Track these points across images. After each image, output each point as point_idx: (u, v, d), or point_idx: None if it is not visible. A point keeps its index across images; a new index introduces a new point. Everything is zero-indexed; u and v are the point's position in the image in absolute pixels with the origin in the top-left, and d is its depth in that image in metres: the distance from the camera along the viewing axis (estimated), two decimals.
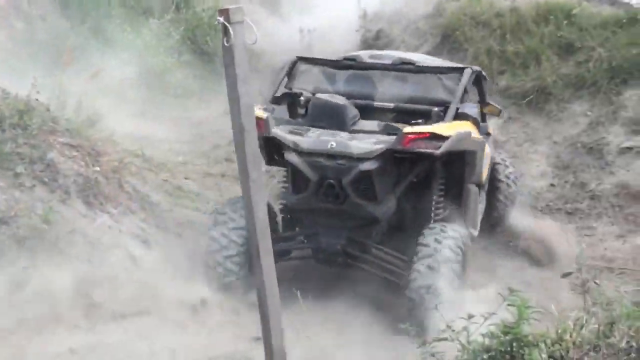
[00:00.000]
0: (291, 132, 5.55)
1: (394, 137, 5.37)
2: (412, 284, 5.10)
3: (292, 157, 5.40)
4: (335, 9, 14.48)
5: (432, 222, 5.66)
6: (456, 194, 5.94)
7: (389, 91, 6.40)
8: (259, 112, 5.39)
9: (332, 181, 5.29)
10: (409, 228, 5.77)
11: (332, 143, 5.32)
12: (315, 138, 5.43)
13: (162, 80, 12.89)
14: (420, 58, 7.00)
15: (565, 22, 9.12)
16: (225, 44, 2.17)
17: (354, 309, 5.19)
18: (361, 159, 5.24)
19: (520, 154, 8.24)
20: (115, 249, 4.93)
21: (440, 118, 5.96)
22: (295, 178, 5.59)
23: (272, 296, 2.54)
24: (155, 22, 13.94)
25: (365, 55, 6.90)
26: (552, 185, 7.73)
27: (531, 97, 8.72)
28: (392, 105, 6.34)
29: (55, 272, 4.34)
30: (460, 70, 6.39)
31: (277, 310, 2.60)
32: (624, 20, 8.86)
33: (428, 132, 5.34)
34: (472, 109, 6.37)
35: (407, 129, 5.41)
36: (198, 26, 14.65)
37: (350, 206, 5.38)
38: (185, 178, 8.52)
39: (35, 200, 4.65)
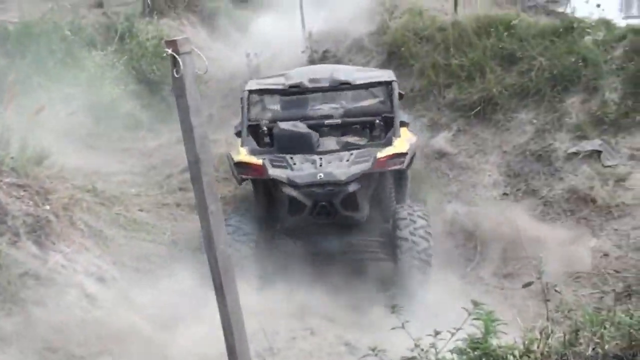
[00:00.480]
0: (275, 167, 6.36)
1: (368, 160, 6.35)
2: (402, 251, 6.22)
3: (289, 190, 6.26)
4: (280, 32, 14.60)
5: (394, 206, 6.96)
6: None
7: (336, 109, 7.63)
8: (253, 159, 6.48)
9: (324, 203, 6.26)
10: (374, 219, 6.86)
11: (320, 174, 6.19)
12: (303, 172, 6.27)
13: (109, 112, 12.70)
14: (348, 70, 7.89)
15: (505, 33, 9.32)
16: (175, 75, 2.13)
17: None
18: (347, 183, 6.18)
19: (472, 165, 8.36)
20: (71, 289, 4.78)
21: (382, 127, 7.26)
22: (291, 204, 6.38)
23: (239, 329, 2.50)
24: (98, 54, 13.77)
25: (301, 75, 7.49)
26: (505, 194, 7.85)
27: (479, 108, 8.86)
28: (339, 121, 7.47)
29: (8, 317, 4.18)
30: (388, 84, 7.35)
31: (244, 342, 2.55)
32: (561, 30, 9.10)
33: (394, 155, 6.47)
34: (405, 115, 7.57)
35: (378, 153, 6.40)
36: (143, 55, 14.55)
37: (339, 218, 6.42)
38: (140, 210, 8.37)
39: None
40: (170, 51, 2.10)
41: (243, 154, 6.59)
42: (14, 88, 9.58)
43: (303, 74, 7.55)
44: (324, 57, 12.61)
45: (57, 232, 5.18)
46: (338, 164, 6.33)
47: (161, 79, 14.46)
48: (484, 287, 6.32)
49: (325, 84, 7.27)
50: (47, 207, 5.29)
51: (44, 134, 8.92)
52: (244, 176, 6.66)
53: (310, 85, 7.28)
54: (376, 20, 12.43)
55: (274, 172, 6.32)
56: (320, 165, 6.31)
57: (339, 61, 12.24)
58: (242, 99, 7.40)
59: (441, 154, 8.77)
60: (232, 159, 6.68)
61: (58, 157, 8.80)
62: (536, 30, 9.16)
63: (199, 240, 7.29)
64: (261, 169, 6.35)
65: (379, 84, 7.48)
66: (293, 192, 6.27)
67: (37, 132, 8.69)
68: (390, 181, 7.08)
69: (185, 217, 8.37)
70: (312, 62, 13.13)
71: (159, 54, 14.82)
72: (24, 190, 5.30)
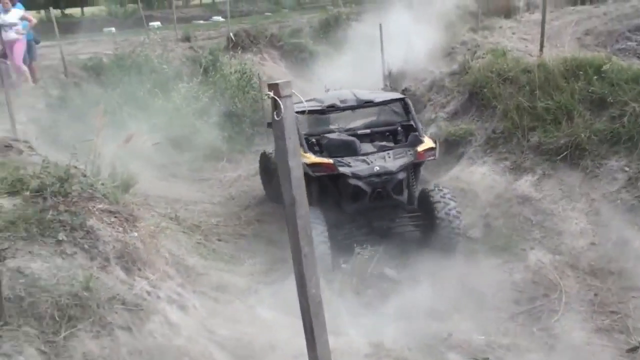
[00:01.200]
0: (339, 165, 7.99)
1: (409, 155, 8.13)
2: (441, 227, 7.80)
3: (355, 181, 7.91)
4: (360, 68, 14.75)
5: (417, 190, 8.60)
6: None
7: (362, 121, 9.80)
8: (324, 160, 8.11)
9: (380, 189, 7.95)
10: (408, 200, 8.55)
11: (376, 167, 7.91)
12: (362, 167, 7.95)
13: (192, 142, 13.09)
14: (366, 92, 9.40)
15: (595, 77, 9.04)
16: (276, 117, 2.19)
17: None
18: (397, 172, 7.94)
19: (557, 211, 8.09)
20: (154, 316, 4.88)
21: (402, 133, 9.12)
22: (355, 193, 8.03)
23: None
24: (184, 86, 14.28)
25: (331, 98, 9.09)
26: (592, 244, 7.53)
27: (565, 153, 8.59)
28: (369, 131, 9.39)
29: (95, 340, 4.31)
30: (402, 100, 9.25)
31: None
32: None
33: (428, 147, 8.26)
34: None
35: (418, 148, 8.18)
36: (226, 88, 15.00)
37: (389, 201, 8.05)
38: (219, 240, 8.53)
39: (76, 268, 4.65)
40: (271, 94, 2.16)
41: (313, 158, 8.12)
42: (105, 117, 10.07)
43: (332, 97, 9.15)
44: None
45: (144, 259, 5.33)
46: (386, 160, 8.05)
47: (242, 111, 14.87)
48: (570, 342, 6.03)
49: (354, 103, 8.92)
50: (135, 234, 5.46)
51: (131, 162, 9.28)
52: (317, 173, 8.03)
53: (342, 105, 8.87)
54: (458, 60, 12.40)
55: (342, 169, 7.94)
56: (372, 162, 8.01)
57: (417, 99, 12.23)
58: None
59: (524, 199, 8.54)
60: (306, 162, 7.88)
61: (143, 185, 9.17)
62: (629, 75, 8.84)
63: (276, 274, 7.43)
64: (332, 166, 7.96)
65: (396, 100, 9.32)
66: (358, 182, 7.90)
67: (124, 160, 9.07)
68: (412, 174, 8.56)
69: (263, 249, 8.45)
70: None
71: (241, 87, 15.29)
72: (115, 217, 5.50)
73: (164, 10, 40.20)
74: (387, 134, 9.39)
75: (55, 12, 21.52)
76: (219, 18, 35.82)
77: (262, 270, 7.63)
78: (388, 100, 9.33)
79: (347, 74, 16.79)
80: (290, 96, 2.19)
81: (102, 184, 6.41)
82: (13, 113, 8.62)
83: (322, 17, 23.32)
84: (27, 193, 5.13)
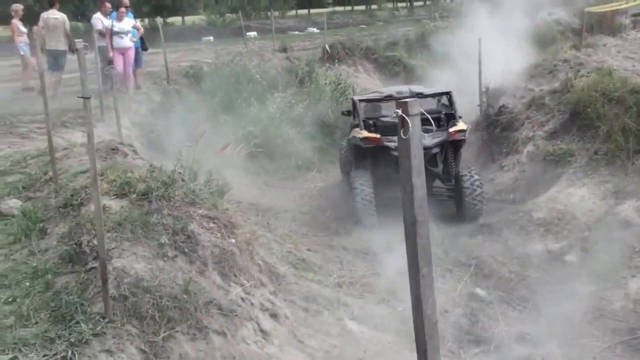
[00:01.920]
0: (387, 141, 9.91)
1: (444, 133, 10.11)
2: (466, 195, 9.80)
3: (396, 152, 9.06)
4: (456, 83, 14.52)
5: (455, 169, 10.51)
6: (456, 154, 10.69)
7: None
8: (373, 135, 10.16)
9: None
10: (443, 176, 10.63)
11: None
12: None
13: (284, 151, 13.29)
14: (418, 87, 11.92)
15: None
16: (403, 136, 2.16)
17: None
18: (432, 147, 9.81)
19: None
20: (247, 322, 4.95)
21: (445, 120, 10.73)
22: (397, 164, 8.58)
23: None
24: (280, 96, 14.53)
25: (390, 90, 11.39)
26: None
27: None
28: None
29: (191, 342, 4.41)
30: (448, 93, 11.03)
31: None
32: None
33: (459, 129, 10.12)
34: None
35: (450, 129, 10.15)
36: (320, 99, 15.12)
37: (426, 172, 8.80)
38: (308, 250, 8.57)
39: (176, 271, 4.78)
40: (400, 112, 2.14)
41: (365, 133, 10.16)
42: (205, 124, 10.37)
43: (391, 90, 11.40)
44: (500, 113, 12.35)
45: (239, 266, 5.42)
46: (424, 138, 9.37)
47: (334, 122, 14.96)
48: None
49: (407, 94, 10.62)
50: (233, 241, 5.56)
51: (226, 169, 9.50)
52: (367, 145, 10.06)
53: (397, 96, 10.66)
54: (559, 77, 12.00)
55: (387, 143, 9.88)
56: None
57: (515, 117, 11.93)
58: (354, 103, 11.33)
59: (626, 224, 8.13)
60: (359, 136, 10.20)
61: (237, 192, 9.36)
62: None
63: (363, 287, 7.40)
64: (379, 140, 9.97)
65: (442, 93, 11.27)
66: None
67: (220, 167, 9.30)
68: (451, 153, 10.44)
69: (351, 261, 8.45)
70: (487, 116, 12.93)
71: (335, 98, 15.40)
72: (214, 223, 5.62)
73: (261, 21, 41.18)
74: (433, 119, 10.38)
75: (158, 20, 22.48)
76: (314, 29, 36.35)
77: (349, 282, 7.61)
78: (436, 93, 11.39)
79: (444, 88, 16.58)
80: (418, 115, 2.17)
81: (200, 190, 6.56)
82: (120, 118, 9.00)
83: (418, 30, 23.21)
84: (134, 196, 5.32)
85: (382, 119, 11.06)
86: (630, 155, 8.96)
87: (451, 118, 10.56)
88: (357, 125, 10.69)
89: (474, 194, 9.72)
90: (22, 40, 13.20)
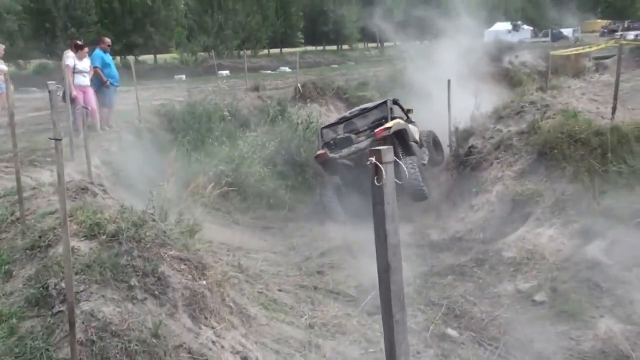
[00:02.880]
0: (331, 153, 12.74)
1: (372, 134, 12.55)
2: (408, 188, 11.71)
3: (341, 160, 12.59)
4: (426, 124, 14.74)
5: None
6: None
7: (362, 122, 13.73)
8: (321, 151, 13.02)
9: (357, 161, 12.31)
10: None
11: (352, 148, 12.59)
12: (346, 150, 12.68)
13: (256, 190, 13.26)
14: (368, 104, 14.95)
15: None
16: (376, 183, 2.18)
17: None
18: (364, 148, 12.13)
19: (630, 279, 7.76)
20: None
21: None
22: (344, 167, 12.69)
23: None
24: (251, 135, 14.56)
25: (345, 113, 15.00)
26: None
27: (638, 219, 8.29)
28: (366, 127, 13.48)
29: None
30: (385, 102, 13.88)
31: None
32: None
33: (384, 128, 12.41)
34: (398, 112, 13.84)
35: (376, 130, 12.62)
36: (292, 138, 15.20)
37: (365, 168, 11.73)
38: (279, 290, 8.50)
39: (145, 314, 4.71)
40: (373, 160, 2.16)
41: (317, 151, 13.12)
42: (176, 163, 10.32)
43: (346, 113, 14.93)
44: (470, 153, 12.53)
45: (210, 308, 5.35)
46: (360, 142, 12.64)
47: (306, 161, 15.02)
48: None
49: (355, 114, 14.02)
50: (204, 282, 5.51)
51: (197, 208, 9.44)
52: (317, 160, 13.13)
53: (349, 115, 14.13)
54: (526, 119, 12.25)
55: (331, 154, 12.66)
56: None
57: (484, 157, 12.10)
58: (318, 131, 14.18)
59: (594, 264, 8.23)
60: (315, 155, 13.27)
61: (208, 232, 9.29)
62: None
63: (335, 328, 7.35)
64: (325, 154, 12.77)
65: (382, 103, 14.00)
66: (344, 160, 12.59)
67: (192, 206, 9.24)
68: (400, 148, 12.50)
69: (322, 301, 8.38)
70: (456, 156, 13.11)
71: (307, 137, 15.50)
72: (185, 264, 5.56)
73: (234, 60, 41.48)
74: (378, 125, 13.03)
75: (130, 59, 22.46)
76: (286, 69, 36.70)
77: (321, 323, 7.54)
78: (375, 105, 14.15)
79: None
80: (392, 162, 2.19)
81: (171, 230, 6.51)
82: (90, 156, 8.92)
83: (389, 70, 23.61)
84: (104, 237, 5.25)
85: (338, 137, 13.39)
86: (596, 195, 9.11)
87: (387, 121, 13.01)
88: None
89: (410, 175, 11.76)
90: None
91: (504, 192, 10.61)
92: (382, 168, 2.14)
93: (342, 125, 13.85)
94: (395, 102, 14.01)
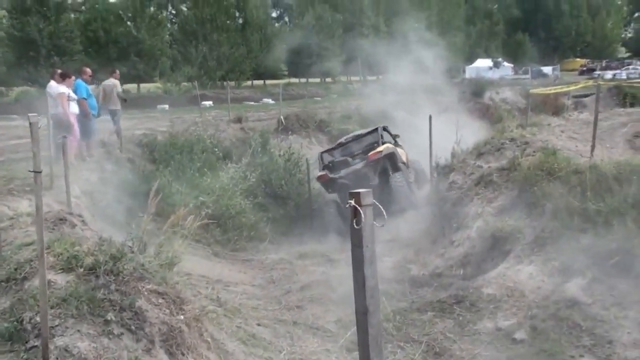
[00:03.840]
0: (331, 174, 14.85)
1: (366, 157, 14.81)
2: (397, 193, 14.25)
3: (340, 180, 14.61)
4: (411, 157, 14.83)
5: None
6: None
7: (357, 147, 15.97)
8: (322, 172, 15.13)
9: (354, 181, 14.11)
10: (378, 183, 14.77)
11: (349, 169, 14.79)
12: (344, 171, 14.82)
13: (236, 222, 13.21)
14: (361, 131, 17.16)
15: None
16: (355, 226, 2.19)
17: None
18: (361, 169, 14.63)
19: (608, 318, 7.79)
20: None
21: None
22: (343, 186, 14.45)
23: None
24: (233, 166, 14.55)
25: (340, 139, 17.10)
26: None
27: (617, 258, 8.34)
28: (360, 151, 15.65)
29: None
30: (376, 129, 15.97)
31: None
32: None
33: (376, 152, 14.73)
34: (388, 137, 15.94)
35: (370, 153, 14.86)
36: (274, 170, 15.23)
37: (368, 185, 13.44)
38: (258, 324, 8.42)
39: (122, 349, 4.63)
40: (352, 202, 2.17)
41: (319, 173, 15.18)
42: (156, 195, 10.24)
43: (342, 139, 16.88)
44: (450, 188, 12.61)
45: (187, 343, 5.28)
46: (357, 165, 14.93)
47: (288, 194, 15.03)
48: None
49: (350, 139, 16.34)
50: (181, 317, 5.44)
51: (176, 240, 9.35)
52: (320, 181, 15.22)
53: (344, 141, 16.36)
54: (507, 155, 12.37)
55: (331, 175, 14.83)
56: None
57: (464, 193, 12.16)
58: (319, 155, 16.26)
59: (573, 303, 8.24)
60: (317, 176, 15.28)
61: (187, 264, 9.21)
62: None
63: None
64: (326, 175, 14.95)
65: (374, 130, 16.10)
66: (342, 180, 14.58)
67: (170, 238, 9.16)
68: (390, 167, 15.10)
69: (301, 336, 8.32)
70: (437, 191, 13.19)
71: (288, 169, 15.52)
72: (162, 298, 5.50)
73: (217, 90, 41.61)
74: (370, 149, 15.29)
75: None
76: (270, 100, 36.85)
77: (300, 359, 7.47)
78: (368, 132, 16.33)
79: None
80: (371, 205, 2.20)
81: (149, 262, 6.44)
82: (69, 186, 8.84)
83: (371, 104, 23.82)
84: (81, 270, 5.19)
85: (335, 160, 15.56)
86: (576, 233, 9.16)
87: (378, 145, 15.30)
88: None
89: (397, 188, 14.14)
90: None
91: (484, 228, 10.65)
92: (361, 211, 2.15)
93: (339, 150, 16.10)
94: (385, 128, 16.25)
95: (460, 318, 8.74)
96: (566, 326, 7.96)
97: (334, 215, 14.60)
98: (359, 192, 2.21)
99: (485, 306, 8.84)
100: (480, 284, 9.43)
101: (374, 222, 2.21)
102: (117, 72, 16.13)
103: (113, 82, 15.55)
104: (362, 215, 2.16)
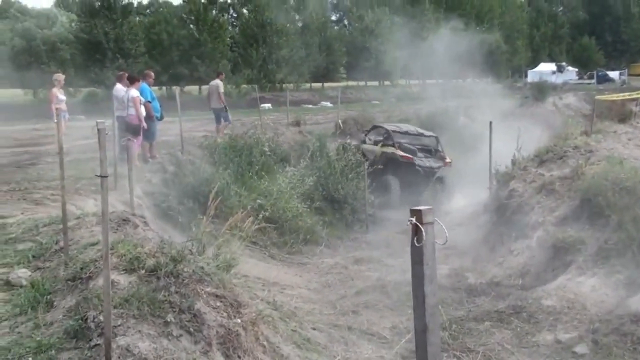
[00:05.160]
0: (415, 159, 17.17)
1: (441, 161, 17.42)
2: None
3: (419, 168, 16.91)
4: (465, 165, 14.65)
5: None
6: None
7: (417, 142, 17.98)
8: (409, 155, 17.15)
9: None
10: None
11: (427, 163, 17.14)
12: (422, 162, 17.09)
13: (293, 225, 13.27)
14: (418, 129, 19.05)
15: None
16: (416, 243, 2.18)
17: None
18: (436, 168, 17.25)
19: None
20: None
21: (433, 152, 17.88)
22: (414, 173, 16.82)
23: None
24: (291, 170, 14.64)
25: (392, 126, 19.00)
26: None
27: None
28: (421, 148, 17.84)
29: None
30: (436, 137, 18.13)
31: None
32: None
33: (449, 160, 17.42)
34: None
35: (446, 160, 17.43)
36: (331, 174, 15.24)
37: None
38: (313, 329, 8.45)
39: (180, 350, 4.73)
40: (413, 220, 2.16)
41: (401, 152, 17.07)
42: (216, 197, 10.42)
43: (400, 127, 18.87)
44: (510, 196, 12.37)
45: (244, 347, 5.35)
46: (430, 161, 17.15)
47: (344, 198, 15.03)
48: None
49: (413, 132, 18.29)
50: (238, 321, 5.51)
51: (234, 242, 9.49)
52: (405, 160, 17.01)
53: (404, 130, 18.30)
54: (570, 164, 12.06)
55: (416, 161, 16.95)
56: (424, 161, 17.10)
57: (524, 202, 11.91)
58: (387, 130, 18.31)
59: (637, 317, 7.97)
60: (398, 153, 17.12)
61: (244, 266, 9.32)
62: None
63: None
64: (410, 157, 16.93)
65: (432, 136, 18.18)
66: (419, 169, 16.63)
67: (229, 239, 9.30)
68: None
69: (356, 342, 8.30)
70: (496, 199, 12.96)
71: (345, 174, 15.52)
72: (220, 301, 5.59)
73: (276, 93, 42.01)
74: (427, 151, 17.59)
75: (175, 89, 22.96)
76: (328, 103, 36.96)
77: None
78: (427, 134, 18.22)
79: (451, 170, 16.68)
80: (432, 223, 2.19)
81: (208, 264, 6.55)
82: (133, 188, 9.09)
83: (430, 109, 23.60)
84: (143, 272, 5.32)
85: (401, 142, 17.59)
86: None
87: (438, 151, 17.55)
88: (386, 145, 17.68)
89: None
90: (61, 108, 13.56)
91: (545, 238, 10.41)
92: (422, 229, 2.14)
93: (407, 136, 17.99)
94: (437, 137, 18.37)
95: (519, 329, 8.56)
96: (630, 341, 7.70)
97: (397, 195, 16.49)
98: (420, 210, 2.20)
99: (545, 318, 8.63)
100: (540, 295, 9.22)
101: (436, 241, 2.20)
102: (223, 74, 18.66)
103: (217, 83, 17.18)
104: (424, 233, 2.15)
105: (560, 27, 76.69)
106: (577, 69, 67.31)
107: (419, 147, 17.82)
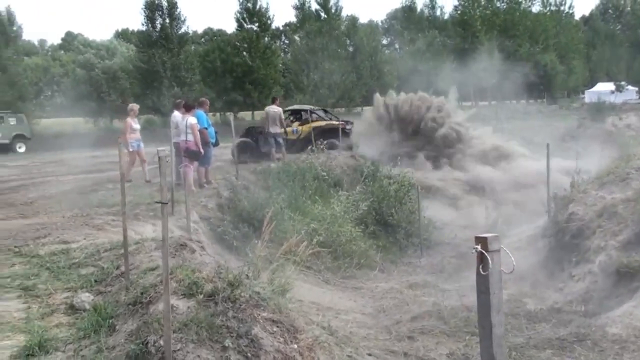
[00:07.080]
0: None
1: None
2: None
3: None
4: (523, 188, 14.38)
5: None
6: None
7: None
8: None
9: None
10: None
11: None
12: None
13: (347, 249, 13.23)
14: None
15: None
16: (482, 272, 2.13)
17: None
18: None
19: None
20: None
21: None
22: None
23: None
24: (344, 194, 14.63)
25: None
26: None
27: None
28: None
29: None
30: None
31: None
32: None
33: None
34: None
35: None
36: (384, 199, 15.16)
37: None
38: (369, 354, 8.35)
39: None
40: (479, 248, 2.12)
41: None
42: (271, 222, 10.49)
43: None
44: (570, 220, 12.05)
45: None
46: None
47: (398, 222, 14.91)
48: None
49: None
50: (295, 346, 5.51)
51: (288, 266, 9.51)
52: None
53: None
54: (633, 186, 11.69)
55: None
56: None
57: (585, 225, 11.56)
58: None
59: None
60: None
61: (298, 291, 9.32)
62: None
63: None
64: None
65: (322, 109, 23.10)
66: None
67: (284, 264, 9.32)
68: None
69: None
70: (555, 222, 12.64)
71: (398, 198, 15.43)
72: (277, 326, 5.59)
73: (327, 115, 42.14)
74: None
75: (229, 115, 23.39)
76: None
77: None
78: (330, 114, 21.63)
79: (511, 189, 16.36)
80: (499, 250, 2.14)
81: (263, 289, 6.58)
82: (189, 213, 9.24)
83: (478, 131, 23.30)
84: (201, 297, 5.38)
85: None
86: None
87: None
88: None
89: None
90: (134, 137, 14.02)
91: (608, 263, 10.08)
92: (488, 257, 2.10)
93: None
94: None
95: (582, 358, 8.27)
96: None
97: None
98: (485, 237, 2.15)
99: (610, 346, 8.31)
100: (604, 322, 8.90)
101: (502, 269, 2.14)
102: (278, 99, 19.71)
103: (274, 109, 17.96)
104: (490, 262, 2.10)
105: (619, 46, 74.93)
106: (637, 88, 65.51)
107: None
